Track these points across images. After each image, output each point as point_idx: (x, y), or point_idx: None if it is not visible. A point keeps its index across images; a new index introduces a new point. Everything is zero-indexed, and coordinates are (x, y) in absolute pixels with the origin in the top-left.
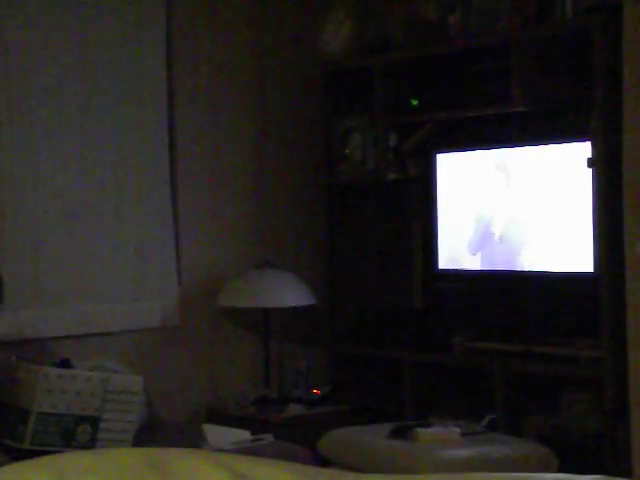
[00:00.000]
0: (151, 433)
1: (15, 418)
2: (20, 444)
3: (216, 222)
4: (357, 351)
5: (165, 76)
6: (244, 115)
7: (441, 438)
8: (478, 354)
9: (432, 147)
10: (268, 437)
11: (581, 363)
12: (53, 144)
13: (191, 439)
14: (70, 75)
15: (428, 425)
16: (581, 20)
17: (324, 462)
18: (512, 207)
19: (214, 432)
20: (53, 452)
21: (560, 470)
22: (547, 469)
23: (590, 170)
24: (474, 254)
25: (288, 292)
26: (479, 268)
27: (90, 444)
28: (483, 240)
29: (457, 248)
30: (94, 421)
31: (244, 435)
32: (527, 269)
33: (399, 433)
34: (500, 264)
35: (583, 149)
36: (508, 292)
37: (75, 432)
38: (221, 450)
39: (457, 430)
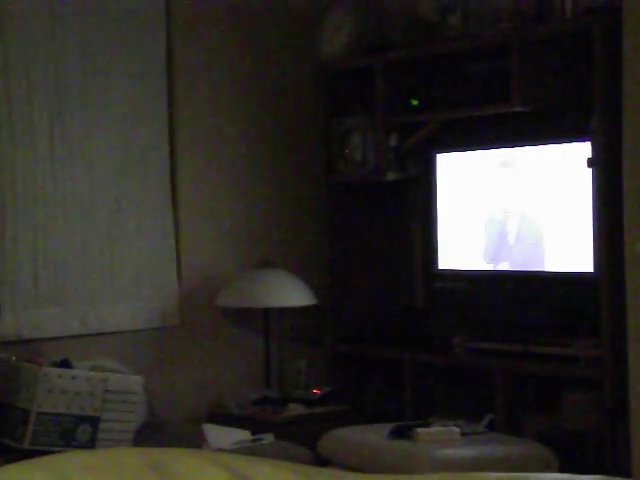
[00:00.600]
0: (151, 433)
1: (15, 418)
2: (20, 444)
3: (216, 222)
4: (357, 351)
5: (165, 77)
6: (244, 115)
7: (441, 438)
8: (478, 354)
9: (432, 147)
10: (268, 437)
11: (581, 363)
12: (53, 144)
13: (191, 439)
14: (70, 75)
15: (428, 425)
16: (581, 20)
17: (324, 462)
18: (512, 207)
19: (214, 432)
20: (53, 452)
21: (560, 470)
22: (547, 469)
23: (590, 170)
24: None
25: (288, 292)
26: (479, 268)
27: (90, 444)
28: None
29: (457, 248)
30: (94, 421)
31: (244, 435)
32: (527, 269)
33: (399, 433)
34: (500, 264)
35: (583, 149)
36: (508, 292)
37: (75, 432)
38: (221, 450)
39: (457, 430)
